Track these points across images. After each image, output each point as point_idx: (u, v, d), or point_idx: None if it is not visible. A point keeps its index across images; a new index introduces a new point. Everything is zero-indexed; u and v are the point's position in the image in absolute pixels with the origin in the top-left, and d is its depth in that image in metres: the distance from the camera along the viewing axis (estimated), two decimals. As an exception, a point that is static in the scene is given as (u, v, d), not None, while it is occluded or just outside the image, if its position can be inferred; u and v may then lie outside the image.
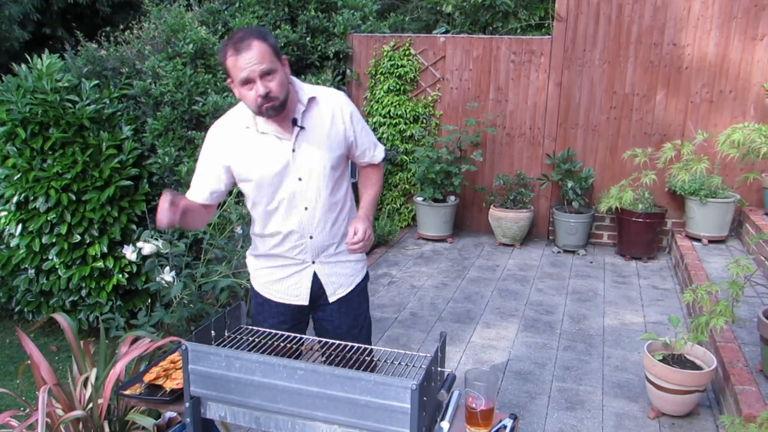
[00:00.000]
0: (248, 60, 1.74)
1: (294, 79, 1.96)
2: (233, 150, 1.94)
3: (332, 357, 1.71)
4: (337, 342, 1.74)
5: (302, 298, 2.07)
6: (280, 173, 1.92)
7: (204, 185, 1.99)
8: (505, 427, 1.53)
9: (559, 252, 5.60)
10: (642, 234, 5.27)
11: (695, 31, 5.25)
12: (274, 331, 1.80)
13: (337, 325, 2.11)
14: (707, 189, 5.05)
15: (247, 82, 1.77)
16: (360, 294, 2.17)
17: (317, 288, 2.08)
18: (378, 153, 2.14)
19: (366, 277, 2.20)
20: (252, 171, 1.93)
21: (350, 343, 1.72)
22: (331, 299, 2.09)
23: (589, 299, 4.46)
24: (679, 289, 4.62)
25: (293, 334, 1.80)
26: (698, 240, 5.14)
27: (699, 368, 2.87)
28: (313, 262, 2.04)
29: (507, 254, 5.54)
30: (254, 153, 1.92)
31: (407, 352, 1.67)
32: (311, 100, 1.94)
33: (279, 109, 1.82)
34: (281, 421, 1.48)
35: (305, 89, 1.95)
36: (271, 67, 1.77)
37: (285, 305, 2.09)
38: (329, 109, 1.97)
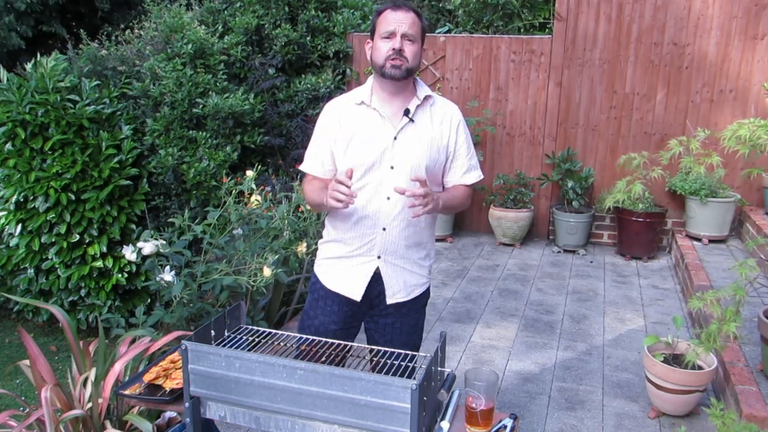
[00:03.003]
0: (401, 18, 1.89)
1: (417, 78, 2.04)
2: (342, 123, 1.99)
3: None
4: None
5: (356, 293, 2.03)
6: (375, 155, 1.94)
7: (315, 158, 2.04)
8: (505, 427, 1.53)
9: (559, 252, 5.60)
10: (642, 233, 5.27)
11: (695, 30, 5.25)
12: (273, 331, 1.80)
13: (389, 339, 2.07)
14: (707, 188, 5.05)
15: (389, 35, 1.89)
16: (418, 311, 2.13)
17: (376, 287, 2.04)
18: (470, 176, 2.09)
19: (426, 294, 2.16)
20: (351, 145, 1.96)
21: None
22: (389, 300, 2.04)
23: (589, 299, 4.46)
24: (680, 289, 4.62)
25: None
26: (698, 240, 5.14)
27: (699, 368, 2.86)
28: (379, 257, 2.00)
29: (507, 254, 5.54)
30: (359, 128, 1.97)
31: (407, 351, 1.66)
32: (427, 98, 2.01)
33: (401, 73, 1.90)
34: (281, 420, 1.48)
35: (424, 88, 2.03)
36: (415, 35, 1.91)
37: (339, 306, 2.06)
38: (440, 114, 2.03)
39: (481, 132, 5.81)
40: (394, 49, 1.88)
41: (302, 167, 2.09)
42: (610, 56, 5.47)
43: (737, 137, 1.67)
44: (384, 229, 1.97)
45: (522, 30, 6.27)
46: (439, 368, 1.50)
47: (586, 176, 5.55)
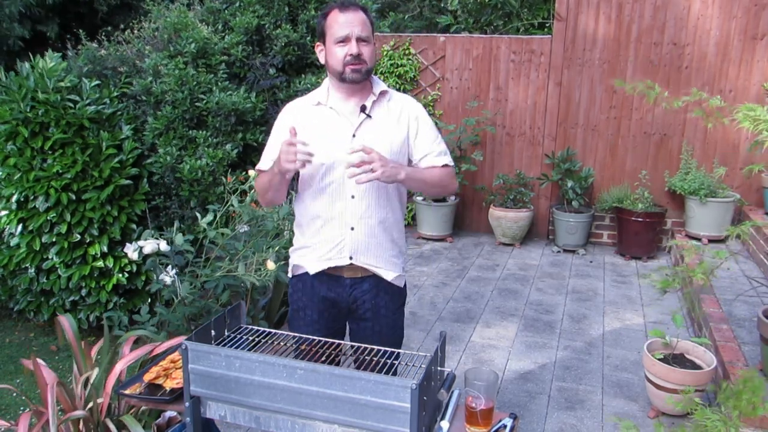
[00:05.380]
0: (351, 20, 1.85)
1: (373, 75, 2.02)
2: (300, 123, 1.96)
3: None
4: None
5: (344, 258, 1.98)
6: (335, 154, 1.91)
7: (271, 157, 2.01)
8: (504, 426, 1.53)
9: (558, 251, 5.60)
10: (642, 233, 5.28)
11: (695, 30, 5.25)
12: (273, 331, 1.80)
13: (369, 342, 2.06)
14: (707, 188, 5.05)
15: (343, 40, 1.86)
16: (396, 312, 2.12)
17: (353, 292, 2.03)
18: (441, 159, 2.02)
19: (403, 293, 2.14)
20: (310, 145, 1.91)
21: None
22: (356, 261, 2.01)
23: (589, 299, 4.47)
24: (679, 288, 4.63)
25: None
26: (698, 239, 5.14)
27: (699, 367, 2.87)
28: (350, 258, 1.98)
29: (507, 254, 5.55)
30: (317, 128, 1.95)
31: (407, 351, 1.67)
32: (383, 93, 1.99)
33: (361, 76, 1.89)
34: (281, 420, 1.48)
35: (380, 83, 2.01)
36: (368, 36, 1.89)
37: (319, 314, 2.05)
38: (398, 108, 2.00)
39: (481, 132, 5.82)
40: (351, 54, 1.85)
41: (258, 167, 2.06)
42: (610, 56, 5.47)
43: (752, 118, 1.63)
44: (352, 228, 1.95)
45: (521, 30, 6.27)
46: (438, 368, 1.50)
47: (585, 176, 5.55)
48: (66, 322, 2.41)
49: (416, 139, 2.00)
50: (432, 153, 2.02)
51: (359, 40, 1.86)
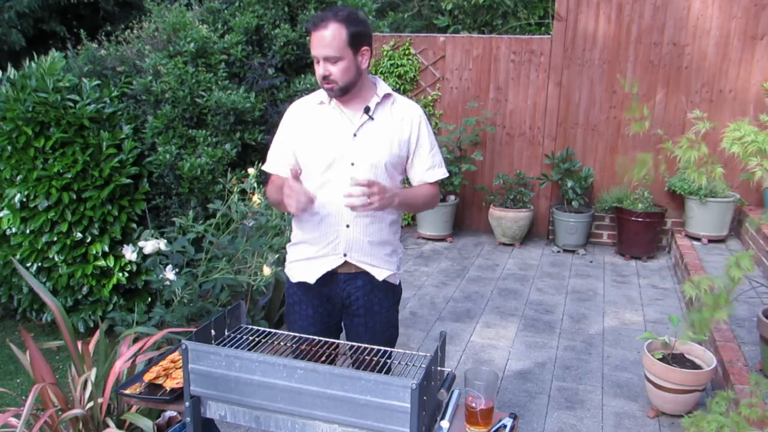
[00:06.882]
0: (317, 41, 1.86)
1: (378, 77, 2.05)
2: (303, 122, 2.02)
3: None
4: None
5: (338, 256, 2.01)
6: (335, 152, 1.95)
7: (277, 157, 2.06)
8: (504, 426, 1.53)
9: (558, 251, 5.60)
10: (642, 233, 5.28)
11: (695, 30, 5.26)
12: (273, 331, 1.80)
13: (363, 339, 2.08)
14: (707, 188, 5.05)
15: (316, 60, 1.90)
16: (390, 309, 2.14)
17: (345, 288, 2.06)
18: (433, 173, 2.07)
19: (397, 290, 2.16)
20: (311, 142, 1.98)
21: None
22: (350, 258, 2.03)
23: (589, 299, 4.47)
24: (679, 289, 4.63)
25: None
26: (698, 239, 5.14)
27: (698, 367, 2.87)
28: (345, 255, 2.00)
29: (507, 254, 5.55)
30: (319, 126, 1.99)
31: (407, 351, 1.67)
32: (387, 96, 2.01)
33: (338, 92, 1.91)
34: (281, 420, 1.48)
35: (384, 87, 2.02)
36: (333, 55, 1.85)
37: (314, 309, 2.08)
38: (401, 112, 2.03)
39: (481, 132, 5.82)
40: (320, 76, 1.89)
41: (264, 167, 2.11)
42: (610, 56, 5.48)
43: (741, 143, 1.61)
44: (347, 226, 1.98)
45: (518, 29, 6.28)
46: (438, 368, 1.50)
47: (585, 176, 5.56)
48: (62, 320, 2.41)
49: (414, 148, 2.04)
50: (425, 166, 2.06)
51: (326, 60, 1.86)
